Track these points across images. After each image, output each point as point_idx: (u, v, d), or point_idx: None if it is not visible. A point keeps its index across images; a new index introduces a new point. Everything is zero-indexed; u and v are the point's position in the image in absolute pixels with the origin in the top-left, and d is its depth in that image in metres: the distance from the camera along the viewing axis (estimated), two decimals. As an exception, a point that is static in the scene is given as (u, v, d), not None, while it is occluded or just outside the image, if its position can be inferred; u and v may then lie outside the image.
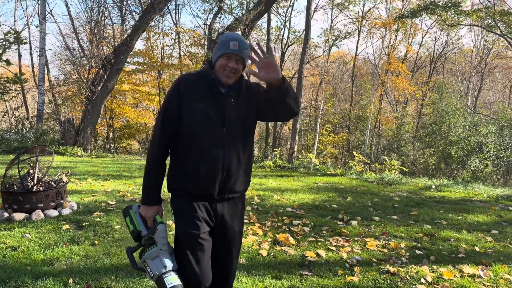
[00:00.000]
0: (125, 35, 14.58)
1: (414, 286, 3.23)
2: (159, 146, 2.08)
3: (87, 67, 14.84)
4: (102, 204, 5.46)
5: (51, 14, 16.44)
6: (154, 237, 2.02)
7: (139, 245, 2.09)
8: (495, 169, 13.86)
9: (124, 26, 16.77)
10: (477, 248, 4.19)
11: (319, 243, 4.18)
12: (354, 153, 14.43)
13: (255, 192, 6.60)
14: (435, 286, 3.25)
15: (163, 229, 2.03)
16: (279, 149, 19.05)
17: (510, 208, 6.02)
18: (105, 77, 13.27)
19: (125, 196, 5.97)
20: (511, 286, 3.32)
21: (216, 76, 2.07)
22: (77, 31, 16.45)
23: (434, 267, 3.63)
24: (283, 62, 25.93)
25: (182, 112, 2.04)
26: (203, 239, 2.04)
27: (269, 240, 4.23)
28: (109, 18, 16.37)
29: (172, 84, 2.15)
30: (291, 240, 4.18)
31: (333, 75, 30.38)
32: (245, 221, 4.73)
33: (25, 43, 16.37)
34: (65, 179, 5.28)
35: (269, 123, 24.12)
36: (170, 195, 2.16)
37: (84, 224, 4.54)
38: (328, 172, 9.28)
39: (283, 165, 10.62)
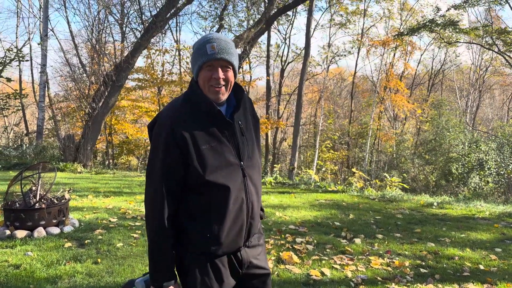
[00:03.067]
0: (126, 52, 14.71)
1: (420, 306, 3.20)
2: (164, 211, 1.59)
3: (88, 84, 14.93)
4: (104, 221, 5.43)
5: (53, 31, 16.62)
6: None
7: None
8: (496, 186, 13.87)
9: (125, 43, 16.94)
10: (481, 266, 4.17)
11: (323, 262, 4.15)
12: (354, 169, 14.43)
13: (257, 209, 6.57)
14: (442, 305, 3.22)
15: None
16: (279, 165, 19.03)
17: (513, 225, 6.00)
18: (106, 93, 13.33)
19: (126, 213, 5.94)
20: (518, 305, 3.30)
21: (203, 96, 1.62)
22: (78, 48, 16.61)
23: (440, 285, 3.61)
24: (283, 79, 26.16)
25: (188, 160, 1.57)
26: None
27: (273, 258, 4.20)
28: (110, 35, 16.57)
29: (157, 126, 1.62)
30: (295, 258, 4.15)
31: (331, 91, 30.60)
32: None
33: (26, 60, 16.51)
34: (67, 196, 5.26)
35: (269, 139, 24.21)
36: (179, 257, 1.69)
37: (86, 241, 4.50)
38: (329, 189, 9.26)
39: (284, 181, 10.60)
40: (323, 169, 22.35)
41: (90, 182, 9.30)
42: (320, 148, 24.05)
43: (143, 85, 17.07)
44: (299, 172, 15.70)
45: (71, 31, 18.08)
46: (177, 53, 17.78)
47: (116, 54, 15.64)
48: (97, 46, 14.81)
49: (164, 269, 1.61)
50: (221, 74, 1.60)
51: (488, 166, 14.08)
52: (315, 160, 22.54)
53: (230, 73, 1.63)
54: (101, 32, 15.52)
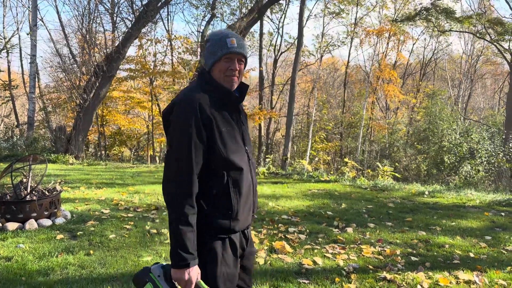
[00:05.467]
0: (117, 42, 14.55)
1: (411, 293, 3.24)
2: (193, 189, 1.64)
3: (79, 74, 14.76)
4: (96, 213, 5.41)
5: (42, 21, 16.37)
6: None
7: None
8: (487, 174, 14.02)
9: (116, 33, 16.73)
10: (471, 254, 4.22)
11: (316, 251, 4.18)
12: (347, 159, 14.49)
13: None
14: (432, 292, 3.27)
15: None
16: (272, 155, 19.07)
17: (502, 213, 6.08)
18: (97, 84, 13.20)
19: (119, 205, 5.92)
20: (506, 291, 3.35)
21: (220, 84, 1.77)
22: (68, 38, 16.39)
23: (430, 273, 3.65)
24: (276, 69, 26.07)
25: (212, 140, 1.68)
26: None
27: (266, 248, 4.22)
28: (100, 25, 16.34)
29: (183, 107, 1.70)
30: (288, 248, 4.18)
31: (324, 81, 30.57)
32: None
33: (14, 48, 16.23)
34: (58, 187, 5.23)
35: (262, 130, 24.21)
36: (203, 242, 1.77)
37: (78, 233, 4.49)
38: (322, 179, 9.30)
39: (277, 171, 10.63)
40: (316, 159, 22.42)
41: (82, 173, 9.26)
42: (313, 138, 24.10)
43: (134, 75, 16.91)
44: (292, 162, 15.74)
45: (61, 21, 17.83)
46: (168, 43, 17.60)
47: (107, 44, 15.46)
48: (87, 36, 14.62)
49: (192, 247, 1.62)
50: (237, 65, 1.77)
51: (479, 155, 14.22)
52: (308, 150, 22.59)
53: (243, 66, 1.82)
54: (91, 22, 15.31)
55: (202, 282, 1.63)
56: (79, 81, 14.60)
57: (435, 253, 4.22)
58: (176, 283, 1.63)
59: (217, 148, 1.69)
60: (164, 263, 1.68)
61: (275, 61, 25.57)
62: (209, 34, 1.83)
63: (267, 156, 15.68)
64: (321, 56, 26.58)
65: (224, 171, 1.71)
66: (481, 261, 4.06)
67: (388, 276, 3.52)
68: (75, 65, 15.54)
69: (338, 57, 32.49)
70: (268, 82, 25.38)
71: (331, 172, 13.24)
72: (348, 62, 26.49)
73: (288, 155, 15.18)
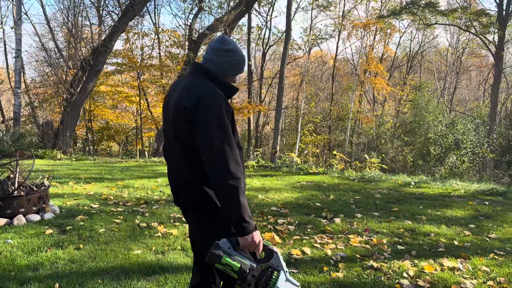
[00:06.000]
0: (104, 36, 14.39)
1: (397, 281, 3.32)
2: (242, 164, 1.90)
3: (65, 69, 14.58)
4: (85, 207, 5.40)
5: (27, 15, 16.06)
6: (270, 263, 1.82)
7: (245, 284, 1.78)
8: (471, 165, 14.29)
9: (103, 26, 16.53)
10: (456, 242, 4.33)
11: (304, 241, 4.24)
12: (335, 152, 14.62)
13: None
14: (417, 280, 3.35)
15: (277, 250, 1.87)
16: (261, 148, 19.08)
17: (486, 202, 6.23)
18: (84, 78, 13.07)
19: (108, 199, 5.92)
20: (488, 277, 3.45)
21: (228, 83, 2.05)
22: (54, 32, 16.15)
23: (416, 261, 3.74)
24: (265, 62, 26.04)
25: (231, 128, 1.90)
26: None
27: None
28: (86, 18, 16.11)
29: (217, 99, 1.88)
30: (277, 239, 4.23)
31: (313, 74, 30.65)
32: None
33: None
34: (46, 183, 5.20)
35: (251, 124, 24.22)
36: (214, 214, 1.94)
37: (67, 228, 4.49)
38: (310, 171, 9.38)
39: (266, 164, 10.68)
40: (305, 152, 22.54)
41: (70, 168, 9.19)
42: (302, 131, 24.20)
43: (122, 69, 16.76)
44: (282, 155, 15.82)
45: (45, 15, 17.56)
46: (156, 37, 17.46)
47: (93, 38, 15.28)
48: (73, 30, 14.43)
49: (251, 214, 1.81)
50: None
51: (464, 146, 14.48)
52: (297, 143, 22.68)
53: None
54: (77, 16, 15.10)
55: (266, 241, 1.77)
56: (65, 75, 14.43)
57: (420, 242, 4.32)
58: (244, 250, 1.80)
59: (236, 135, 1.95)
60: (224, 239, 1.82)
61: (264, 54, 25.54)
62: (233, 45, 2.05)
63: (256, 149, 15.74)
64: (309, 50, 26.63)
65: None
66: (465, 248, 4.17)
67: (375, 265, 3.60)
68: (61, 60, 15.35)
69: (326, 50, 32.61)
70: (257, 76, 25.35)
71: (320, 165, 13.32)
72: (336, 55, 26.58)
73: (277, 148, 15.26)
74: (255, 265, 1.79)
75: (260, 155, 13.09)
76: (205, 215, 1.96)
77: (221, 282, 2.12)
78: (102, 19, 16.92)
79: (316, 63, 31.72)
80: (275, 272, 1.81)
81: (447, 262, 3.70)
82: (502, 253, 4.02)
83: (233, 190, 1.74)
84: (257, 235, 1.79)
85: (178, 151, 1.96)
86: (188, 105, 1.86)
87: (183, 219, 4.87)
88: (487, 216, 5.46)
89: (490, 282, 3.33)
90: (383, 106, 28.25)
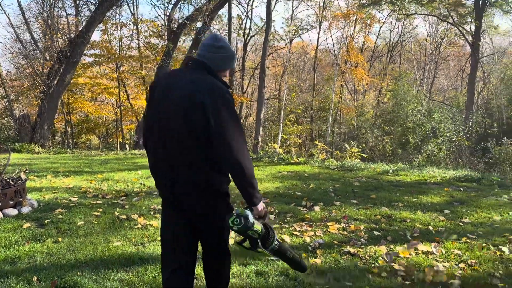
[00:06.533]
0: (81, 27, 14.10)
1: (373, 265, 3.42)
2: None
3: (42, 61, 14.25)
4: (64, 201, 5.35)
5: (0, 5, 15.54)
6: (267, 224, 2.28)
7: (256, 243, 2.23)
8: (448, 152, 14.64)
9: (80, 17, 16.17)
10: (430, 227, 4.46)
11: (284, 229, 4.31)
12: (317, 142, 14.76)
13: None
14: (392, 264, 3.45)
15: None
16: (244, 140, 19.04)
17: (461, 189, 6.41)
18: (61, 70, 12.81)
19: (87, 192, 5.87)
20: (460, 260, 3.58)
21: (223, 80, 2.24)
22: (29, 23, 15.72)
23: (391, 246, 3.85)
24: (246, 53, 25.95)
25: None
26: None
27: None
28: (63, 9, 15.73)
29: (229, 95, 2.14)
30: (257, 227, 4.28)
31: (295, 65, 30.70)
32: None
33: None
34: (23, 176, 5.13)
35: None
36: (223, 195, 2.26)
37: (46, 221, 4.44)
38: (292, 161, 9.46)
39: (248, 155, 10.71)
40: (288, 142, 22.67)
41: (48, 162, 9.05)
42: (284, 122, 24.30)
43: (100, 61, 16.46)
44: (264, 146, 15.88)
45: (20, 5, 16.98)
46: (134, 27, 17.17)
47: (70, 29, 14.96)
48: (49, 20, 14.09)
49: None
50: None
51: (440, 134, 14.81)
52: (279, 134, 22.78)
53: None
54: (53, 6, 14.74)
55: (243, 209, 2.23)
56: (42, 67, 14.11)
57: (396, 228, 4.43)
58: (257, 216, 2.23)
59: None
60: (239, 210, 2.18)
61: (245, 45, 25.43)
62: (224, 42, 2.25)
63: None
64: (291, 40, 26.66)
65: None
66: (439, 233, 4.30)
67: (352, 250, 3.69)
68: (37, 51, 14.99)
69: (308, 41, 32.63)
70: (238, 67, 25.26)
71: (302, 155, 13.44)
72: (317, 45, 26.68)
73: (260, 139, 15.31)
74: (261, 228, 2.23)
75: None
76: (212, 197, 2.21)
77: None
78: (79, 9, 16.54)
79: (298, 54, 31.77)
80: (272, 232, 2.28)
81: (422, 247, 3.81)
82: (474, 236, 4.17)
83: (250, 177, 2.10)
84: (262, 204, 2.21)
85: (185, 137, 2.08)
86: (205, 101, 2.03)
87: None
88: (462, 202, 5.63)
89: (462, 265, 3.46)
90: (364, 96, 28.56)
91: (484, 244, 3.92)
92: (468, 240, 4.05)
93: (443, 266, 3.41)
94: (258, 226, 2.21)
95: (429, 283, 3.12)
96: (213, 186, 2.17)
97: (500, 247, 3.87)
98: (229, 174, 2.18)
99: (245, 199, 2.19)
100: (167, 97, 2.14)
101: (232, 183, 2.22)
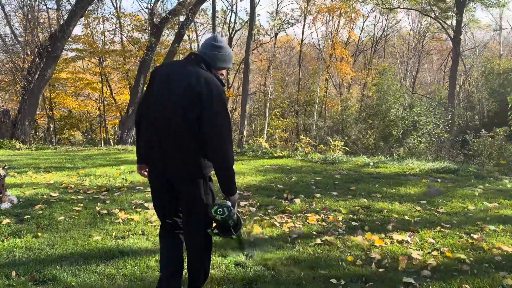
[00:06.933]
0: (62, 21, 13.89)
1: (349, 254, 3.51)
2: None
3: (22, 55, 14.01)
4: (44, 196, 5.32)
5: (-22, -2, 15.20)
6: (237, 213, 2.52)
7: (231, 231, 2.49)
8: (428, 145, 14.92)
9: (60, 11, 15.91)
10: (406, 217, 4.58)
11: (264, 221, 4.37)
12: (302, 136, 14.87)
13: (203, 177, 6.69)
14: (367, 252, 3.55)
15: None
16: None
17: (439, 180, 6.57)
18: (42, 65, 12.63)
19: (69, 188, 5.84)
20: (434, 248, 3.70)
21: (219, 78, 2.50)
22: (9, 17, 15.41)
23: (368, 235, 3.95)
24: (231, 47, 25.85)
25: None
26: None
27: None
28: (43, 2, 15.45)
29: (224, 93, 2.39)
30: (237, 220, 4.34)
31: (280, 59, 30.72)
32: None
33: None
34: (2, 172, 5.08)
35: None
36: (204, 180, 2.48)
37: (25, 217, 4.43)
38: (275, 155, 9.53)
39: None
40: (274, 137, 22.77)
41: (29, 158, 8.95)
42: (270, 116, 24.35)
43: (82, 55, 16.26)
44: (250, 141, 15.92)
45: (-2, -2, 16.63)
46: (117, 21, 16.98)
47: (51, 23, 14.72)
48: (29, 14, 13.84)
49: None
50: None
51: (420, 127, 15.09)
52: (265, 128, 22.84)
53: None
54: (33, 0, 14.47)
55: (223, 200, 2.47)
56: (22, 62, 13.88)
57: (374, 218, 4.54)
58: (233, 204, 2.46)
59: None
60: (220, 201, 2.42)
61: (230, 39, 25.31)
62: (224, 43, 2.49)
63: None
64: (276, 34, 26.62)
65: None
66: (415, 223, 4.42)
67: (329, 239, 3.77)
68: (18, 46, 14.72)
69: (293, 35, 32.60)
70: (224, 61, 25.12)
71: (288, 149, 13.53)
72: (302, 40, 26.72)
73: (244, 133, 15.33)
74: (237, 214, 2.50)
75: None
76: (196, 180, 2.43)
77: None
78: (60, 3, 16.28)
79: (284, 48, 31.77)
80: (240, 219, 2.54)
81: (397, 236, 3.93)
82: (448, 225, 4.30)
83: (232, 170, 2.39)
84: (237, 194, 2.49)
85: (180, 125, 2.31)
86: (202, 92, 2.26)
87: (145, 204, 4.90)
88: (438, 193, 5.77)
89: (435, 252, 3.57)
90: (349, 90, 28.76)
91: (457, 233, 4.06)
92: (442, 229, 4.17)
93: (417, 254, 3.52)
94: (235, 216, 2.45)
95: (402, 270, 3.22)
96: (199, 166, 2.40)
97: (472, 235, 4.01)
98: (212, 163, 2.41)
99: (224, 189, 2.43)
100: (166, 85, 2.38)
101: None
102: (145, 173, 2.66)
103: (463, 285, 2.97)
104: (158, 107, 2.39)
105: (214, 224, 2.50)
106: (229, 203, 2.40)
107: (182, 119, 2.30)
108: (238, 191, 2.55)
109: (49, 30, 13.88)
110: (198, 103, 2.27)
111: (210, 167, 2.45)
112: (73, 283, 2.95)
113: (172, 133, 2.34)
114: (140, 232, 4.02)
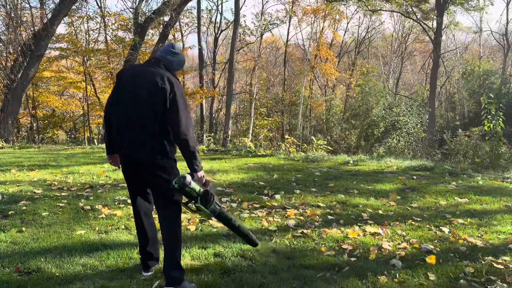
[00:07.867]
0: (45, 20, 13.82)
1: (323, 245, 3.69)
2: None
3: (5, 54, 13.90)
4: (28, 193, 5.38)
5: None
6: (208, 189, 2.88)
7: (195, 200, 2.85)
8: (407, 143, 15.30)
9: (44, 9, 15.81)
10: (380, 212, 4.79)
11: (245, 216, 4.53)
12: (286, 136, 15.08)
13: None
14: (341, 244, 3.74)
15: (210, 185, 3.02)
16: (216, 134, 19.18)
17: (414, 177, 6.82)
18: (25, 64, 12.56)
19: (52, 185, 5.91)
20: (404, 239, 3.91)
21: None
22: (-9, 15, 15.23)
23: (342, 229, 4.14)
24: (217, 48, 25.95)
25: None
26: None
27: (198, 217, 4.50)
28: (26, 1, 15.35)
29: (179, 83, 2.90)
30: (218, 214, 4.48)
31: (266, 60, 30.93)
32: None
33: None
34: (-14, 169, 5.13)
35: (204, 109, 24.23)
36: (167, 158, 2.86)
37: (9, 213, 4.50)
38: (258, 154, 9.70)
39: (217, 148, 10.90)
40: (260, 136, 22.95)
41: (13, 157, 8.94)
42: (255, 116, 24.53)
43: (66, 54, 16.17)
44: (235, 140, 16.06)
45: (-20, -4, 16.43)
46: (101, 20, 16.93)
47: (34, 22, 14.63)
48: (12, 13, 13.74)
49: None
50: None
51: (399, 126, 15.48)
52: (250, 128, 23.02)
53: None
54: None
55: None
56: (5, 61, 13.77)
57: (349, 212, 4.74)
58: (198, 181, 2.86)
59: None
60: (181, 174, 2.80)
61: (216, 39, 25.44)
62: (180, 51, 3.04)
63: (209, 135, 15.87)
64: (261, 35, 26.82)
65: None
66: (388, 217, 4.63)
67: (305, 232, 3.95)
68: (0, 44, 14.59)
69: (279, 36, 32.85)
70: (210, 60, 25.26)
71: (273, 148, 13.72)
72: (287, 40, 26.98)
73: (229, 133, 15.51)
74: (202, 189, 2.86)
75: (212, 140, 13.26)
76: (163, 159, 2.83)
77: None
78: (43, 1, 16.19)
79: (269, 49, 32.00)
80: (212, 195, 2.90)
81: (370, 228, 4.13)
82: (419, 219, 4.52)
83: (193, 145, 2.81)
84: (202, 172, 2.88)
85: (148, 114, 2.78)
86: (166, 87, 2.75)
87: (128, 201, 5.00)
88: (413, 189, 6.01)
89: (404, 244, 3.78)
90: (334, 91, 29.13)
91: (427, 225, 4.29)
92: (413, 222, 4.39)
93: (388, 245, 3.73)
94: (196, 187, 2.79)
95: (373, 260, 3.42)
96: (164, 148, 2.82)
97: (440, 227, 4.24)
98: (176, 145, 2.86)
99: (188, 166, 2.86)
100: (133, 82, 2.84)
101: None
102: (116, 161, 3.10)
103: (428, 273, 3.18)
104: (127, 101, 2.84)
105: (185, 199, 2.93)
106: (187, 175, 2.76)
107: (149, 109, 2.77)
108: (220, 188, 2.80)
109: (32, 29, 13.81)
110: (163, 96, 2.75)
111: (174, 149, 2.88)
112: (57, 274, 3.06)
113: (140, 121, 2.79)
114: (123, 227, 4.13)
